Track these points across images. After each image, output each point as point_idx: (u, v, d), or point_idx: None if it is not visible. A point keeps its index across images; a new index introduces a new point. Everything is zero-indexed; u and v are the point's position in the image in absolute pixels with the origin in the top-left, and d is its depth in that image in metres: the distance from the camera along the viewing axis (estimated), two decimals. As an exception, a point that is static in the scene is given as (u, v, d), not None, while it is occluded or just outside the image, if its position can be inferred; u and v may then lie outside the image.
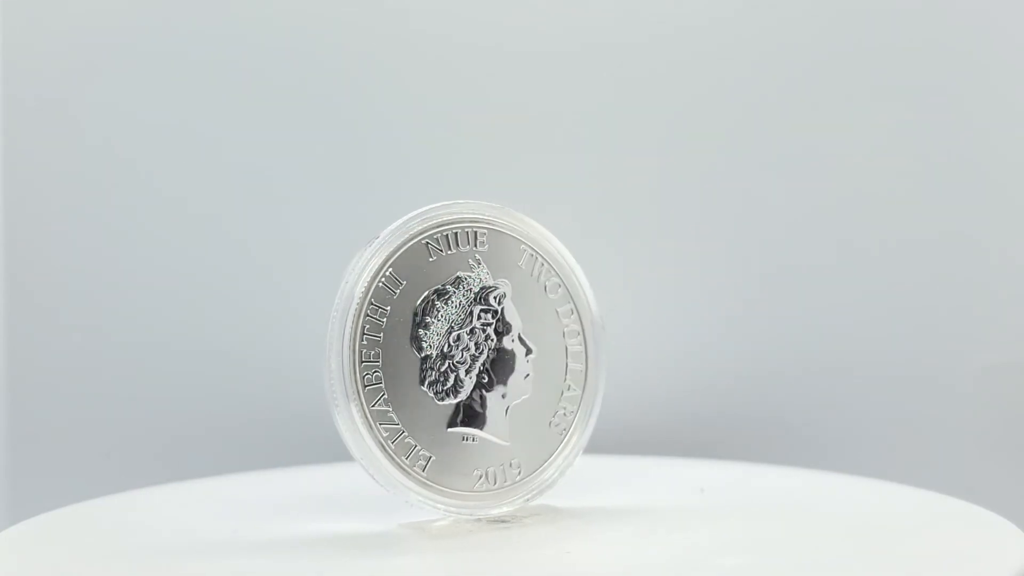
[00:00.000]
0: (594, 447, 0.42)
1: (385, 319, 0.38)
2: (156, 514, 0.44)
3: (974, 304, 0.56)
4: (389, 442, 0.38)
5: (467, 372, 0.39)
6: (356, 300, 0.38)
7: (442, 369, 0.39)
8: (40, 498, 0.50)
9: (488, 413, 0.40)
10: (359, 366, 0.38)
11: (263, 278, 0.56)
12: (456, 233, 0.40)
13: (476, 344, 0.39)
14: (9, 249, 0.57)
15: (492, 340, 0.40)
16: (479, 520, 0.39)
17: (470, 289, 0.39)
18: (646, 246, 0.56)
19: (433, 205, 0.39)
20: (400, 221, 0.39)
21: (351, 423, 0.38)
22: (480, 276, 0.40)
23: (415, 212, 0.39)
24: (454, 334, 0.39)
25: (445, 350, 0.39)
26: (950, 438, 0.55)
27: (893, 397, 0.56)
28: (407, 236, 0.39)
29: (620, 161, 0.56)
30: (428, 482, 0.38)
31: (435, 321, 0.39)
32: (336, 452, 0.54)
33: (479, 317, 0.39)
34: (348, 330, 0.38)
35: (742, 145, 0.56)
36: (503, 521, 0.40)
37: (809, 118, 0.56)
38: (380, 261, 0.38)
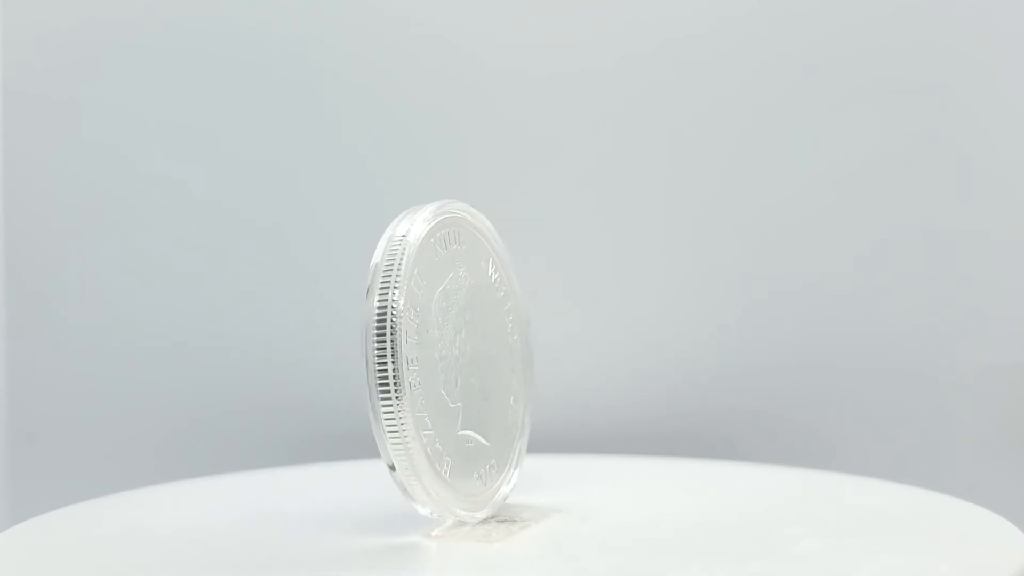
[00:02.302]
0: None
1: (417, 321, 0.37)
2: (157, 514, 0.44)
3: (973, 303, 0.55)
4: (428, 449, 0.37)
5: (468, 373, 0.39)
6: (402, 302, 0.36)
7: (453, 371, 0.39)
8: (40, 498, 0.50)
9: (477, 414, 0.40)
10: (406, 370, 0.36)
11: (264, 277, 0.56)
12: (449, 233, 0.39)
13: (473, 346, 0.39)
14: (9, 249, 0.57)
15: (477, 340, 0.40)
16: (487, 522, 0.39)
17: (460, 290, 0.39)
18: (645, 245, 0.56)
19: (436, 203, 0.39)
20: (421, 219, 0.38)
21: (399, 430, 0.36)
22: (462, 276, 0.39)
23: (429, 210, 0.38)
24: (457, 336, 0.39)
25: (455, 353, 0.39)
26: (950, 438, 0.55)
27: (893, 397, 0.56)
28: (426, 235, 0.38)
29: (618, 158, 0.56)
30: (451, 487, 0.38)
31: (446, 323, 0.38)
32: (332, 452, 0.54)
33: (468, 319, 0.39)
34: (397, 335, 0.36)
35: (740, 144, 0.56)
36: (513, 521, 0.40)
37: (804, 118, 0.56)
38: (412, 261, 0.37)
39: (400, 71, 0.56)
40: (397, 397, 0.36)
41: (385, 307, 0.36)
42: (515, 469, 0.41)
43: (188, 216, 0.56)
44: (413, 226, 0.38)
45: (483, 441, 0.40)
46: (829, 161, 0.56)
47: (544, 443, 0.54)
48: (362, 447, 0.54)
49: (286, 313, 0.56)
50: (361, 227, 0.56)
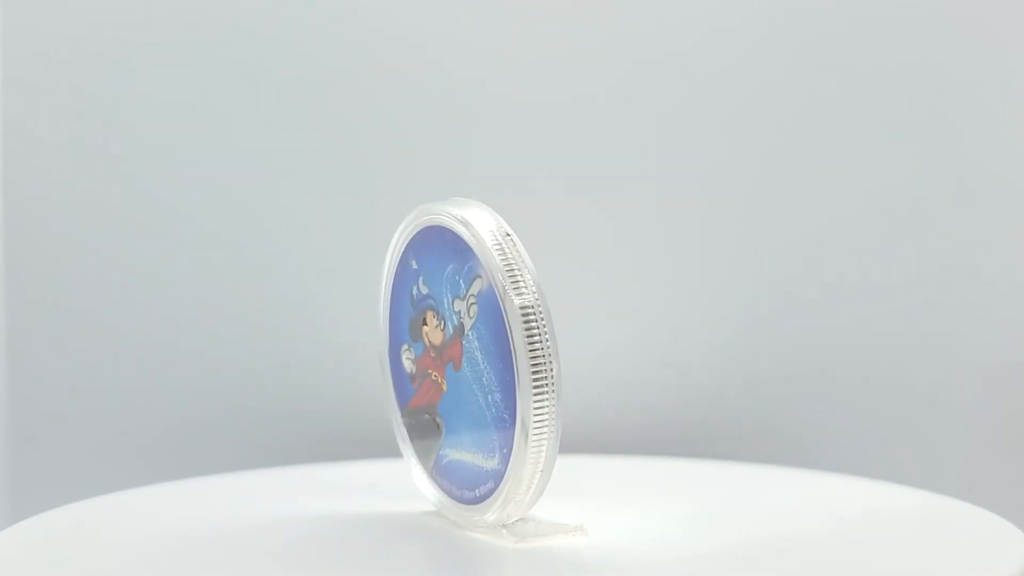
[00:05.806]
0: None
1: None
2: (157, 514, 0.44)
3: (973, 305, 0.56)
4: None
5: None
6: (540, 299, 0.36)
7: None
8: (40, 498, 0.50)
9: None
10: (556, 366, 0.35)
11: (263, 278, 0.56)
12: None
13: None
14: (9, 249, 0.57)
15: None
16: (514, 522, 0.39)
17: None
18: (655, 257, 0.56)
19: (467, 200, 0.39)
20: (494, 218, 0.37)
21: (548, 427, 0.35)
22: None
23: (486, 207, 0.38)
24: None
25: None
26: (950, 439, 0.55)
27: (893, 398, 0.56)
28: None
29: (630, 168, 0.56)
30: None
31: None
32: (332, 452, 0.54)
33: None
34: (551, 330, 0.35)
35: (751, 159, 0.56)
36: (521, 520, 0.39)
37: (812, 137, 0.56)
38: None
39: (401, 75, 0.56)
40: (556, 396, 0.35)
41: (531, 305, 0.36)
42: None
43: (188, 218, 0.56)
44: (504, 224, 0.37)
45: None
46: (834, 176, 0.56)
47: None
48: (362, 447, 0.54)
49: (286, 314, 0.56)
50: (360, 229, 0.56)
